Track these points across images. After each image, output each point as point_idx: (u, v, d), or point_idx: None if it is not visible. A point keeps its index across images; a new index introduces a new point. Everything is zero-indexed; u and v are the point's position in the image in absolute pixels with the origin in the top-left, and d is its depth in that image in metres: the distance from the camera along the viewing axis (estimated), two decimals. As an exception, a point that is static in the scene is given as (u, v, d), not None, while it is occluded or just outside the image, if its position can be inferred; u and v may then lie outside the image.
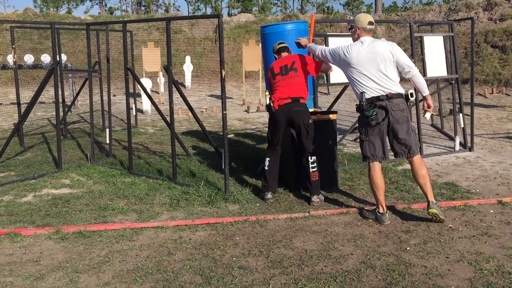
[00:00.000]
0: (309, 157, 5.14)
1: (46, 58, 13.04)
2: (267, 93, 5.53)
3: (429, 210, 4.39)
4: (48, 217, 4.82)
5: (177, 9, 66.06)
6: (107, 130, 7.61)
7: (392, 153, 4.66)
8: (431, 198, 4.43)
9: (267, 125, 5.45)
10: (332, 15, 33.36)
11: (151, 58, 13.71)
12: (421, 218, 4.60)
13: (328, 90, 15.88)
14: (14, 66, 8.17)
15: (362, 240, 4.11)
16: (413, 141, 4.51)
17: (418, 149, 4.61)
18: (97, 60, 8.47)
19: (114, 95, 14.68)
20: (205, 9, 61.85)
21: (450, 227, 4.36)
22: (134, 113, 10.33)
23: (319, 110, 6.15)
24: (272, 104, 5.20)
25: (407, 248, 3.92)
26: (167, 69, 5.91)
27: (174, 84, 5.99)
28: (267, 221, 4.62)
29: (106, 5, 61.10)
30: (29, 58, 12.69)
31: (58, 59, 7.59)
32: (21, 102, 8.26)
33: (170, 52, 5.87)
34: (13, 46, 7.86)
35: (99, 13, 51.80)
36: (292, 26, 6.31)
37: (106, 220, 4.72)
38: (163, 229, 4.48)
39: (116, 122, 10.96)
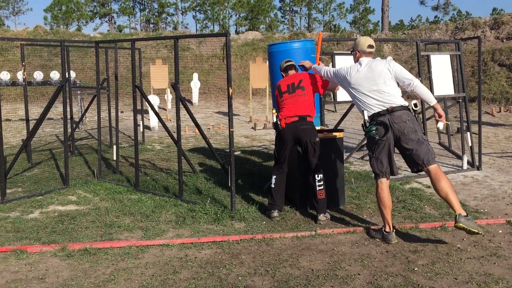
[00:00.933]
0: (316, 175, 5.12)
1: (55, 75, 13.14)
2: (274, 111, 5.54)
3: (456, 225, 4.16)
4: (54, 234, 4.82)
5: (185, 27, 66.73)
6: (114, 146, 7.64)
7: (409, 169, 4.58)
8: (458, 211, 4.17)
9: (274, 143, 5.47)
10: (339, 33, 33.59)
11: (159, 75, 13.82)
12: (429, 238, 4.55)
13: (335, 108, 15.89)
14: (24, 83, 8.25)
15: (369, 260, 4.07)
16: (425, 149, 4.38)
17: (434, 158, 4.45)
18: (106, 77, 8.55)
19: (122, 112, 14.78)
20: (213, 27, 62.44)
21: (459, 248, 4.31)
22: (141, 130, 10.37)
23: (326, 128, 6.15)
24: (279, 122, 5.21)
25: (415, 269, 3.87)
26: (174, 86, 5.95)
27: (181, 101, 6.02)
28: (273, 240, 4.59)
29: (115, 22, 61.87)
30: (38, 75, 12.80)
31: (67, 76, 7.67)
32: (30, 118, 8.33)
33: (177, 69, 5.91)
34: (23, 64, 7.94)
35: (108, 30, 52.48)
36: (299, 45, 6.35)
37: (112, 238, 4.71)
38: (168, 247, 4.46)
39: (123, 138, 11.02)
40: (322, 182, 5.13)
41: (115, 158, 7.58)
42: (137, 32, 35.31)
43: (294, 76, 5.38)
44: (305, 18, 60.99)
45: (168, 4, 60.49)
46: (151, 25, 63.24)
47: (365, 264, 4.00)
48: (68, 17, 56.86)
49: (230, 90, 5.25)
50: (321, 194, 5.09)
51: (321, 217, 5.05)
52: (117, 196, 6.14)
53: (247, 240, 4.58)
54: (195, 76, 18.12)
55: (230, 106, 5.33)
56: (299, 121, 5.12)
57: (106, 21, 62.24)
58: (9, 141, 10.38)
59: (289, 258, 4.13)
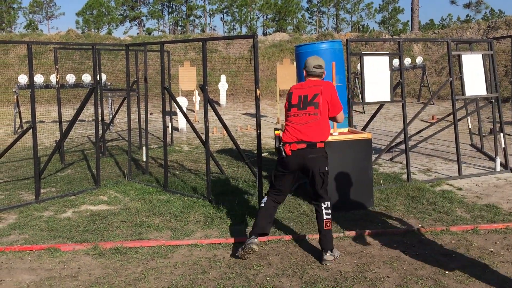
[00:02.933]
0: (323, 203, 4.27)
1: (86, 78, 13.47)
2: (278, 132, 4.44)
3: None
4: (86, 233, 4.93)
5: (213, 29, 67.21)
6: (144, 148, 7.75)
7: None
8: None
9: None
10: (367, 33, 33.27)
11: (187, 77, 13.96)
12: (461, 241, 4.46)
13: (363, 109, 15.75)
14: (57, 86, 8.47)
15: (399, 263, 4.02)
16: None
17: None
18: (135, 79, 8.70)
19: (151, 114, 14.98)
20: (240, 29, 62.67)
21: (491, 251, 4.22)
22: (170, 131, 10.50)
23: (355, 129, 6.11)
24: (282, 148, 4.26)
25: (446, 272, 3.81)
26: (202, 88, 6.01)
27: (209, 103, 6.07)
28: (301, 241, 4.58)
29: (144, 25, 62.79)
30: (71, 78, 13.13)
31: (98, 78, 7.84)
32: (62, 120, 8.54)
33: (206, 71, 5.97)
34: (56, 67, 8.16)
35: (138, 33, 53.30)
36: (326, 46, 6.33)
37: (142, 237, 4.79)
38: (197, 247, 4.51)
39: (152, 140, 11.17)
40: (330, 211, 4.27)
41: (144, 159, 7.70)
42: (166, 34, 35.74)
43: (310, 86, 4.33)
44: (333, 18, 60.63)
45: (196, 7, 61.03)
46: (179, 28, 63.92)
47: (394, 266, 3.95)
48: (99, 20, 58.03)
49: (258, 92, 5.27)
50: (327, 225, 4.21)
51: (328, 256, 4.08)
52: (147, 197, 6.23)
53: (274, 241, 4.59)
54: (223, 78, 18.24)
55: (257, 107, 5.35)
56: (307, 149, 4.19)
57: (136, 25, 63.21)
58: (42, 142, 10.65)
59: (317, 260, 4.12)
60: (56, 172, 7.88)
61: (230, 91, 19.46)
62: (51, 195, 6.43)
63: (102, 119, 9.30)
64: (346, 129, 6.04)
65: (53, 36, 23.71)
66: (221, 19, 64.97)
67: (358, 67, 14.19)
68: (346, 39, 6.68)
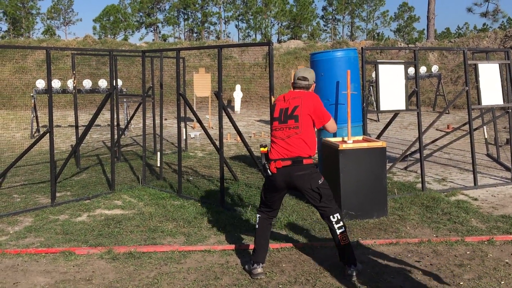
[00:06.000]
0: (331, 216, 3.98)
1: (103, 83, 13.61)
2: (264, 149, 4.09)
3: None
4: (101, 237, 4.98)
5: (228, 36, 67.58)
6: (158, 153, 7.81)
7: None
8: None
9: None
10: (382, 41, 33.15)
11: (201, 83, 14.04)
12: (476, 252, 4.42)
13: (378, 117, 15.68)
14: (74, 91, 8.58)
15: (413, 273, 3.99)
16: None
17: None
18: (151, 85, 8.78)
19: (165, 119, 15.09)
20: (255, 36, 62.88)
21: (507, 262, 4.17)
22: (185, 137, 10.56)
23: (369, 137, 6.09)
24: (267, 166, 4.00)
25: (461, 283, 3.77)
26: (217, 95, 6.05)
27: (224, 109, 6.11)
28: (314, 249, 4.57)
29: (160, 32, 63.36)
30: (87, 83, 13.29)
31: (114, 84, 7.93)
32: (78, 124, 8.64)
33: (221, 78, 6.01)
34: (74, 72, 8.28)
35: (153, 40, 53.78)
36: (342, 54, 6.33)
37: (155, 242, 4.82)
38: (210, 253, 4.52)
39: (166, 145, 11.24)
40: (341, 223, 3.99)
41: (159, 165, 7.75)
42: (181, 41, 36.03)
43: (291, 98, 4.07)
44: (348, 26, 60.56)
45: (211, 14, 61.43)
46: (194, 34, 64.37)
47: (408, 276, 3.92)
48: (115, 27, 58.72)
49: (273, 99, 5.29)
50: (344, 240, 3.96)
51: (351, 271, 3.92)
52: (161, 202, 6.27)
53: (287, 248, 4.59)
54: (238, 87, 18.32)
55: (272, 114, 5.36)
56: (292, 166, 3.92)
57: (152, 31, 63.81)
58: (59, 146, 10.78)
59: (330, 268, 4.10)
60: (72, 176, 7.97)
61: (244, 97, 19.52)
62: (66, 198, 6.50)
63: (118, 124, 9.39)
64: (360, 137, 6.03)
65: (71, 42, 24.05)
66: (236, 26, 65.35)
67: (373, 75, 14.16)
68: (361, 47, 6.67)
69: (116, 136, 8.61)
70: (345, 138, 5.83)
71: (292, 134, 3.96)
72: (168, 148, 10.93)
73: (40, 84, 13.29)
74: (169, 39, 61.31)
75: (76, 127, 8.57)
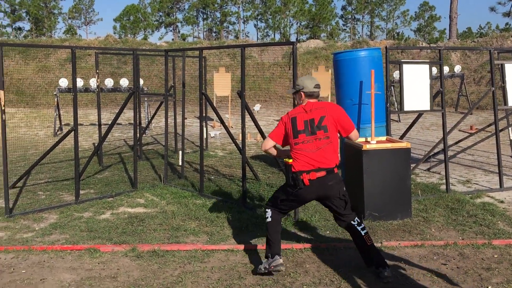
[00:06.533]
0: (352, 221, 4.02)
1: (124, 82, 13.73)
2: (289, 160, 4.10)
3: None
4: (125, 235, 5.02)
5: (246, 35, 67.63)
6: (180, 152, 7.84)
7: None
8: None
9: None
10: (403, 41, 32.81)
11: (222, 83, 14.06)
12: (504, 256, 4.33)
13: (399, 117, 15.51)
14: (97, 90, 8.67)
15: (439, 275, 3.93)
16: None
17: None
18: (172, 84, 8.82)
19: (186, 118, 15.16)
20: (274, 35, 62.83)
21: (537, 267, 4.08)
22: (205, 136, 10.59)
23: (393, 138, 6.02)
24: (296, 176, 3.92)
25: (489, 287, 3.70)
26: (240, 94, 6.05)
27: (247, 109, 6.10)
28: (338, 250, 4.54)
29: (179, 31, 63.75)
30: (109, 82, 13.42)
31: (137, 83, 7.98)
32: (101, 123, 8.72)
33: (244, 77, 6.01)
34: (97, 71, 8.35)
35: (173, 39, 54.11)
36: (366, 53, 6.28)
37: (178, 241, 4.84)
38: (233, 252, 4.52)
39: (187, 144, 11.29)
40: (363, 225, 4.03)
41: (180, 164, 7.79)
42: (201, 40, 36.20)
43: (314, 109, 4.04)
44: (367, 26, 60.12)
45: (230, 13, 61.57)
46: (213, 34, 64.60)
47: (434, 279, 3.87)
48: (135, 26, 59.23)
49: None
50: (369, 240, 3.97)
51: (386, 273, 3.81)
52: (183, 201, 6.30)
53: (311, 249, 4.56)
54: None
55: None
56: (327, 176, 3.91)
57: (171, 30, 64.21)
58: (81, 144, 10.90)
59: (355, 269, 4.07)
60: (95, 174, 8.05)
61: (264, 97, 19.52)
62: (90, 196, 6.57)
63: (140, 123, 9.45)
64: (384, 138, 5.97)
65: (93, 41, 24.33)
66: (255, 25, 65.38)
67: (394, 75, 14.01)
68: (385, 47, 6.60)
69: (138, 135, 8.67)
70: (369, 139, 5.78)
71: (323, 145, 3.94)
72: (189, 147, 10.98)
73: (63, 82, 13.46)
74: (188, 38, 61.62)
75: (99, 125, 8.65)
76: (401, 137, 7.16)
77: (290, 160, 4.06)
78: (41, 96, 18.40)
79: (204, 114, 6.96)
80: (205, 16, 66.43)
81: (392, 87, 14.80)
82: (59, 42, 25.01)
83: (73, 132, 6.30)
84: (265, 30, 63.50)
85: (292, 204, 4.16)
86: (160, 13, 63.15)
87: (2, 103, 5.56)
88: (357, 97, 6.18)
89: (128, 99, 7.05)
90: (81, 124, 14.25)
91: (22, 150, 10.22)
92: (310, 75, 4.39)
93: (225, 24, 62.64)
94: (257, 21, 64.71)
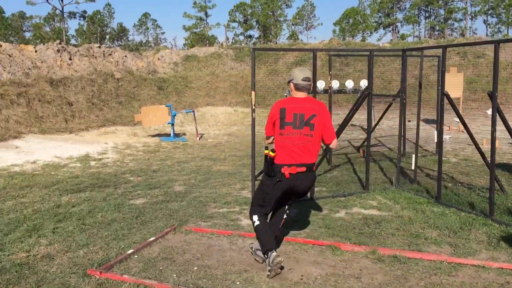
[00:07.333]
0: (288, 205, 4.43)
1: (349, 84, 13.89)
2: (270, 152, 4.12)
3: None
4: (362, 236, 5.00)
5: (474, 32, 62.16)
6: (413, 156, 7.52)
7: None
8: None
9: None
10: None
11: (453, 83, 13.12)
12: None
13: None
14: (329, 91, 8.93)
15: None
16: None
17: None
18: (405, 85, 8.52)
19: (409, 121, 14.60)
20: (507, 31, 56.43)
21: None
22: (436, 140, 9.99)
23: None
24: (277, 170, 4.05)
25: None
26: (492, 95, 5.47)
27: (499, 112, 5.49)
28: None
29: (398, 32, 62.14)
30: (335, 84, 13.72)
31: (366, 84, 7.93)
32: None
33: (496, 78, 5.42)
34: (330, 73, 8.60)
35: (391, 40, 52.98)
36: None
37: (419, 249, 4.61)
38: (485, 269, 4.09)
39: (413, 148, 10.83)
40: (289, 211, 4.46)
41: (413, 168, 7.47)
42: (427, 39, 34.53)
43: (307, 103, 4.12)
44: None
45: (456, 10, 57.48)
46: (436, 32, 61.21)
47: None
48: (354, 29, 59.91)
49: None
50: (283, 224, 4.48)
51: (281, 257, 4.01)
52: (418, 207, 6.00)
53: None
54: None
55: None
56: (306, 172, 4.09)
57: (390, 31, 63.04)
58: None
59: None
60: (324, 172, 8.29)
61: (500, 99, 17.56)
62: (323, 194, 6.77)
63: (369, 125, 9.41)
64: None
65: (317, 45, 25.34)
66: (484, 21, 59.69)
67: None
68: None
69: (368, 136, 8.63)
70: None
71: (306, 141, 4.06)
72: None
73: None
74: (408, 38, 59.66)
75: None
76: None
77: (273, 154, 4.08)
78: (270, 97, 19.87)
79: (428, 117, 6.52)
80: (427, 15, 63.43)
81: None
82: (287, 46, 26.73)
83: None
84: (497, 26, 57.60)
85: (271, 198, 4.19)
86: (380, 14, 62.57)
87: (253, 103, 6.10)
88: None
89: (362, 100, 7.04)
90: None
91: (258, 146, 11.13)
92: (302, 68, 4.22)
93: (449, 22, 58.83)
94: (487, 17, 59.09)
